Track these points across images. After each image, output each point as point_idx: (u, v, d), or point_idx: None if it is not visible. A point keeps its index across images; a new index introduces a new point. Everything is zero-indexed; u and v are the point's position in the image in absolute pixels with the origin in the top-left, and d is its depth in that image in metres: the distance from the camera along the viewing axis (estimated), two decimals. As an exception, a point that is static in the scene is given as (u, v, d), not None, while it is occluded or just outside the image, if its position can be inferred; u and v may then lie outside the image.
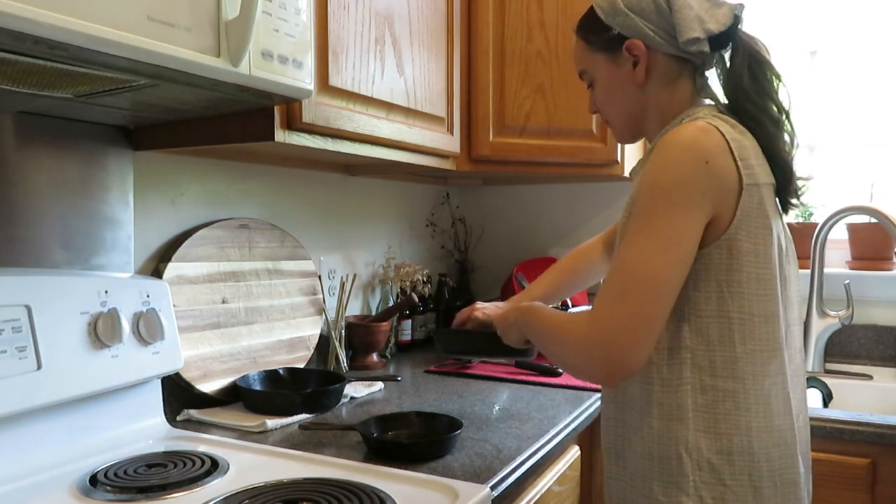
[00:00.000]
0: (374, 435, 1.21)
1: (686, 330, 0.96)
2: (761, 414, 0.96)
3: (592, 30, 1.08)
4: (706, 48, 1.00)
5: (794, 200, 1.05)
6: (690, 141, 0.94)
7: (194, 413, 1.35)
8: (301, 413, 1.36)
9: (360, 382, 1.60)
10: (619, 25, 1.04)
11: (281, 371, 1.52)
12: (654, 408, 0.98)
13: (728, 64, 1.04)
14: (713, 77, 1.09)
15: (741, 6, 1.02)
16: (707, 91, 1.08)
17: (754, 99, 1.01)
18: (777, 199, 1.03)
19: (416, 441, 1.21)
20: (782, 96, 1.02)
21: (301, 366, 1.62)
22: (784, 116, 1.02)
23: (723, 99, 1.06)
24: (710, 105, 1.06)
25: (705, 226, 0.93)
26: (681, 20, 1.00)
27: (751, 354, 0.95)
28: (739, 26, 1.02)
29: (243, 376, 1.44)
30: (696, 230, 0.92)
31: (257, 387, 1.45)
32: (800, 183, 1.04)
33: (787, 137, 1.03)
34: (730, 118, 1.00)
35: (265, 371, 1.49)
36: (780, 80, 1.03)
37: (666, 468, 0.97)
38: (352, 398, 1.51)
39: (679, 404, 0.96)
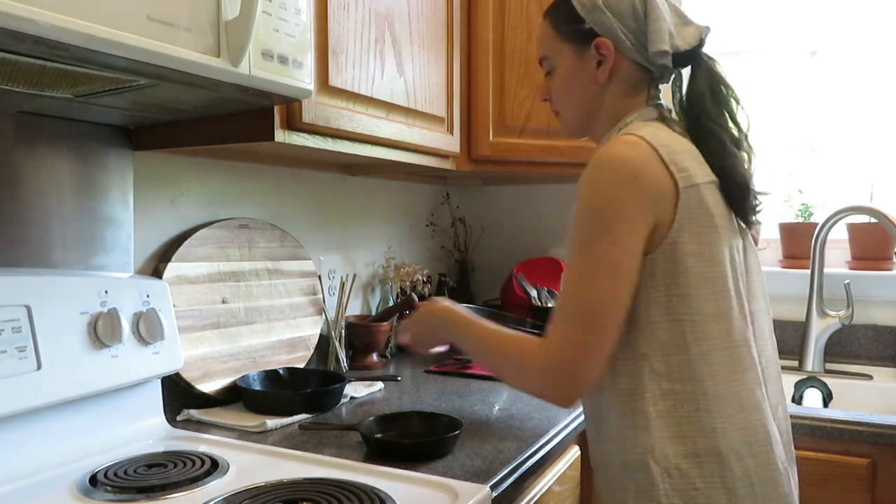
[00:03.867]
0: (375, 435, 1.21)
1: (641, 338, 0.96)
2: (725, 413, 0.94)
3: (565, 18, 1.07)
4: (670, 63, 1.03)
5: (753, 217, 1.05)
6: (616, 159, 0.95)
7: (194, 413, 1.35)
8: (301, 413, 1.36)
9: (360, 382, 1.60)
10: (593, 21, 1.03)
11: (281, 371, 1.52)
12: (621, 418, 0.99)
13: (689, 83, 1.05)
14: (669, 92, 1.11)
15: (707, 29, 1.04)
16: (656, 101, 1.09)
17: (715, 118, 1.02)
18: (736, 217, 1.03)
19: (416, 441, 1.20)
20: (741, 118, 1.04)
21: (301, 366, 1.62)
22: (743, 137, 1.04)
23: (669, 106, 1.08)
24: (650, 109, 1.06)
25: (648, 234, 0.94)
26: (654, 31, 1.01)
27: (706, 355, 0.95)
28: (703, 48, 1.04)
29: (243, 376, 1.44)
30: (636, 246, 0.94)
31: (257, 387, 1.45)
32: (759, 199, 1.05)
33: (745, 156, 1.04)
34: (663, 125, 1.02)
35: (265, 371, 1.49)
36: (738, 103, 1.05)
37: (637, 478, 0.96)
38: (352, 398, 1.51)
39: (643, 412, 0.96)
